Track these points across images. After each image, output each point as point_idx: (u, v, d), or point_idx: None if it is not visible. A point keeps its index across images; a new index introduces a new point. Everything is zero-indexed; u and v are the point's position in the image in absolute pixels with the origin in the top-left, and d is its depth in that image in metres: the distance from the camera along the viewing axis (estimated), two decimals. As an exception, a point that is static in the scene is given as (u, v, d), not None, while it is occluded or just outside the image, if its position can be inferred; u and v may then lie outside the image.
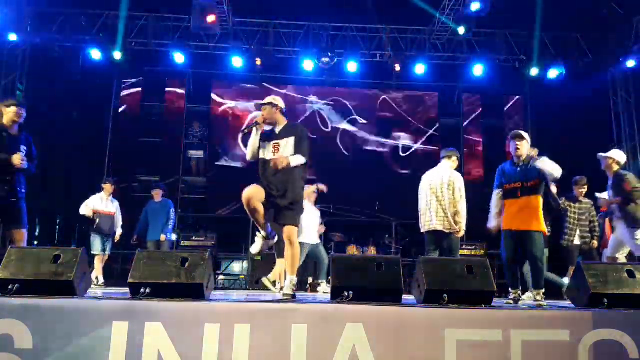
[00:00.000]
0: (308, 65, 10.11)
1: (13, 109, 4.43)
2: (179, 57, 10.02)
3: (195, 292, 3.04)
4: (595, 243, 6.51)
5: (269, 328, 2.76)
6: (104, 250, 7.32)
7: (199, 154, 10.92)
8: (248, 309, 2.83)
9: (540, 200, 4.53)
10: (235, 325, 2.75)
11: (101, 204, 7.41)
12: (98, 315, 2.75)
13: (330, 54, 9.85)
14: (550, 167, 4.40)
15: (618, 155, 5.35)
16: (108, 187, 7.53)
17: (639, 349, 2.82)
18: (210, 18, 9.07)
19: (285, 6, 9.81)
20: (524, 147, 4.56)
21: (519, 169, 4.58)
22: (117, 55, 9.57)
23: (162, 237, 7.64)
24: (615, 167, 5.28)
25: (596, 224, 6.50)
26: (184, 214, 10.42)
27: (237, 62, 10.12)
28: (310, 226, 7.33)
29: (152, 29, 9.93)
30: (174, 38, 9.95)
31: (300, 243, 6.80)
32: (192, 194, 10.69)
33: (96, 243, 7.26)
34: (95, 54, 9.73)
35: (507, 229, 4.58)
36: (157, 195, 7.92)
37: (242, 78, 10.91)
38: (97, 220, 7.28)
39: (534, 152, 4.96)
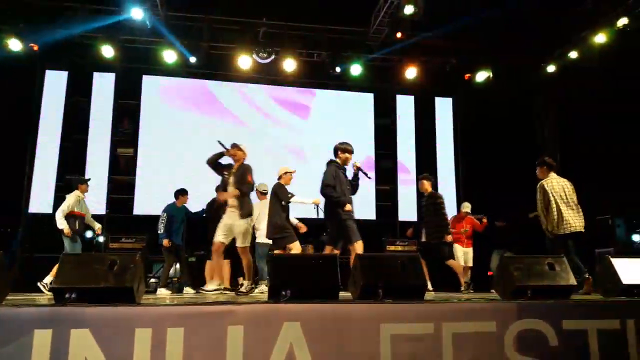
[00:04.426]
0: (244, 61, 9.98)
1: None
2: (107, 50, 9.57)
3: (125, 297, 2.92)
4: None
5: (203, 330, 2.69)
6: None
7: (129, 151, 10.45)
8: (181, 312, 2.75)
9: None
10: (168, 329, 2.66)
11: (79, 205, 7.19)
12: (17, 324, 2.56)
13: (267, 51, 9.79)
14: None
15: None
16: (84, 187, 7.35)
17: (558, 337, 3.01)
18: (137, 12, 8.85)
19: (220, 1, 9.67)
20: None
21: None
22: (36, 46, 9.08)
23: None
24: None
25: None
26: (112, 215, 9.95)
27: (169, 56, 9.83)
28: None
29: (79, 19, 9.40)
30: (102, 29, 9.48)
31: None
32: (121, 194, 10.20)
33: (77, 246, 7.04)
34: (15, 45, 9.11)
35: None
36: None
37: (175, 73, 10.60)
38: (77, 222, 7.05)
39: None
